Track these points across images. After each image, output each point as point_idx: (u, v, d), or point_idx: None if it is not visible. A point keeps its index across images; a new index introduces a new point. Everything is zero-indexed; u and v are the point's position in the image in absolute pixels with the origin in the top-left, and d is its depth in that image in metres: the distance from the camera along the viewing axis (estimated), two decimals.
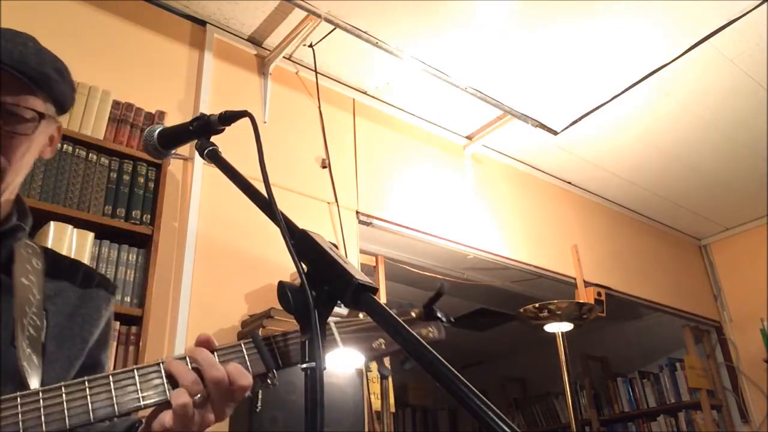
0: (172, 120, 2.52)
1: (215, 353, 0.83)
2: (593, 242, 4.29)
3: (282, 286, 0.74)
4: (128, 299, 2.13)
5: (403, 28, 2.97)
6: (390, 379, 2.71)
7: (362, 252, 3.10)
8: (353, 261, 2.92)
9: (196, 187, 2.56)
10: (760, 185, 4.43)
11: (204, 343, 0.84)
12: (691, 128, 3.81)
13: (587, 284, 4.00)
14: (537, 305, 3.18)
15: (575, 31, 3.03)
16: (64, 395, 0.75)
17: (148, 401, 0.78)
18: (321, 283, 0.74)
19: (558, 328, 3.27)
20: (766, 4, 2.91)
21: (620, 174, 4.28)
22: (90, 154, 2.21)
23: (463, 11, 2.89)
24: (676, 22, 3.00)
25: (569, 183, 4.37)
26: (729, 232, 5.11)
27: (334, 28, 2.91)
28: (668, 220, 4.94)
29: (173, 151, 1.02)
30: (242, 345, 0.85)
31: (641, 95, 3.49)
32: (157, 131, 0.99)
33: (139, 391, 0.78)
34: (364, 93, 3.42)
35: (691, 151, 4.05)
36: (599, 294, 3.96)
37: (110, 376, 0.78)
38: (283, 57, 3.07)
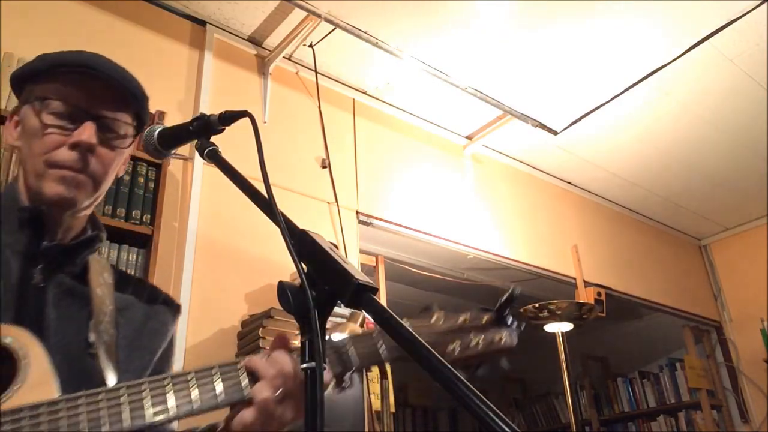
0: (172, 120, 2.52)
1: (293, 353, 0.85)
2: (593, 242, 4.29)
3: (282, 286, 0.74)
4: None
5: (403, 28, 2.97)
6: (390, 379, 2.71)
7: (362, 252, 3.09)
8: (353, 261, 2.92)
9: (196, 187, 2.56)
10: (760, 185, 4.43)
11: (280, 341, 0.87)
12: (691, 128, 3.81)
13: (587, 284, 4.00)
14: (537, 305, 3.18)
15: (575, 31, 3.03)
16: (148, 390, 0.78)
17: (226, 398, 0.80)
18: (321, 283, 0.74)
19: (558, 328, 3.27)
20: (766, 4, 2.91)
21: (620, 174, 4.28)
22: None
23: (463, 11, 2.89)
24: (676, 22, 3.00)
25: (569, 183, 4.37)
26: (729, 232, 5.11)
27: (334, 28, 2.91)
28: (668, 220, 4.94)
29: (173, 151, 1.02)
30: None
31: (641, 95, 3.49)
32: (157, 131, 1.00)
33: (217, 389, 0.80)
34: (364, 93, 3.42)
35: (691, 151, 4.05)
36: (599, 294, 3.96)
37: (192, 372, 0.80)
38: (283, 57, 3.07)
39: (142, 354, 1.01)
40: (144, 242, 2.23)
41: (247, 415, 0.81)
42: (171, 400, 0.78)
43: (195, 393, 0.79)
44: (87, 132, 0.94)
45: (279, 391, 0.81)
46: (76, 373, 0.87)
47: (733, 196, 4.61)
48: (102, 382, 0.87)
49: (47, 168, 0.94)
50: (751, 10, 2.94)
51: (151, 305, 1.07)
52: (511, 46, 3.12)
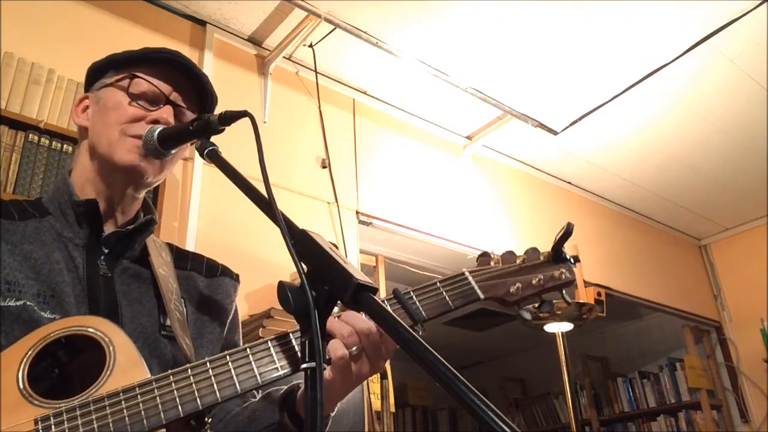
0: None
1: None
2: (593, 242, 4.29)
3: (282, 286, 0.74)
4: None
5: (403, 28, 2.97)
6: (390, 379, 2.71)
7: (362, 252, 3.09)
8: (353, 261, 2.92)
9: (196, 187, 2.56)
10: (760, 185, 4.43)
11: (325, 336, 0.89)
12: (691, 128, 3.81)
13: (587, 284, 3.99)
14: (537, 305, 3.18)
15: (575, 31, 3.03)
16: (230, 363, 0.82)
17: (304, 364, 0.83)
18: (321, 283, 0.74)
19: (558, 328, 3.27)
20: (766, 4, 2.91)
21: (620, 174, 4.28)
22: None
23: (464, 11, 2.88)
24: (676, 22, 3.00)
25: (569, 183, 4.38)
26: (729, 232, 5.11)
27: (334, 28, 2.91)
28: (668, 220, 4.94)
29: (173, 151, 1.03)
30: (385, 301, 0.91)
31: (641, 95, 3.49)
32: (157, 131, 1.00)
33: (297, 353, 0.84)
34: (364, 93, 3.42)
35: (691, 151, 4.05)
36: (599, 294, 3.96)
37: (269, 341, 0.85)
38: (283, 57, 3.07)
39: (212, 328, 1.05)
40: None
41: (325, 373, 0.84)
42: (256, 369, 0.82)
43: (276, 360, 0.83)
44: (167, 112, 1.01)
45: (354, 348, 0.84)
46: (155, 356, 0.92)
47: (733, 196, 4.61)
48: (182, 361, 0.90)
49: (123, 136, 0.99)
50: (751, 10, 2.94)
51: (211, 278, 1.12)
52: (511, 46, 3.12)
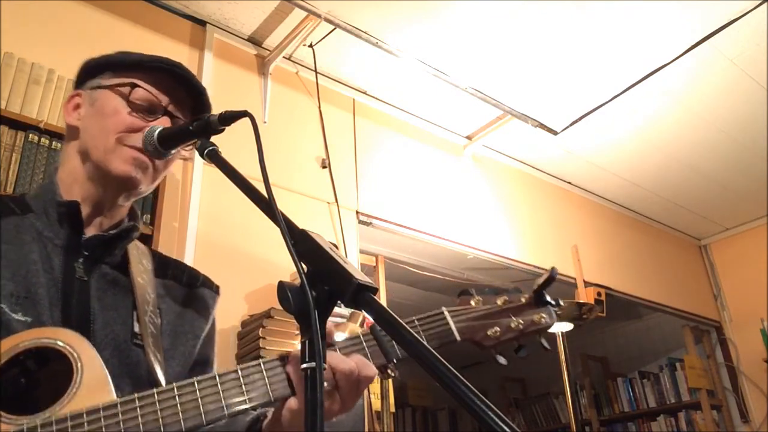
0: None
1: (335, 346, 0.87)
2: (593, 242, 4.29)
3: (282, 286, 0.74)
4: None
5: (403, 28, 2.97)
6: (390, 379, 2.71)
7: (362, 252, 3.09)
8: (353, 261, 2.92)
9: (196, 187, 2.56)
10: (760, 185, 4.43)
11: (326, 335, 0.88)
12: (691, 128, 3.81)
13: (587, 284, 3.99)
14: None
15: (575, 31, 3.03)
16: (198, 391, 0.80)
17: (276, 394, 0.83)
18: (321, 283, 0.74)
19: (558, 328, 3.27)
20: (766, 4, 2.91)
21: (620, 174, 4.28)
22: None
23: (464, 11, 2.88)
24: (676, 22, 3.00)
25: (569, 183, 4.37)
26: (729, 232, 5.11)
27: (334, 28, 2.91)
28: (668, 220, 4.94)
29: (173, 151, 1.02)
30: (361, 337, 0.90)
31: (641, 95, 3.49)
32: (157, 131, 1.00)
33: (268, 385, 0.83)
34: (364, 93, 3.42)
35: (691, 151, 4.05)
36: (599, 294, 3.96)
37: (239, 371, 0.83)
38: (283, 57, 3.07)
39: (185, 339, 1.03)
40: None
41: (292, 402, 0.84)
42: (223, 399, 0.80)
43: (245, 390, 0.82)
44: (164, 124, 1.00)
45: (326, 385, 0.83)
46: (125, 365, 0.90)
47: (733, 196, 4.61)
48: (149, 373, 0.90)
49: (119, 145, 0.98)
50: (751, 10, 2.94)
51: (190, 288, 1.11)
52: (511, 46, 3.12)
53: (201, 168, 2.58)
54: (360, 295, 0.69)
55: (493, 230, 3.71)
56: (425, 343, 0.90)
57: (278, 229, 0.78)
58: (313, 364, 0.70)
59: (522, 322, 0.99)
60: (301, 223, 0.80)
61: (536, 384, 6.05)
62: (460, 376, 0.58)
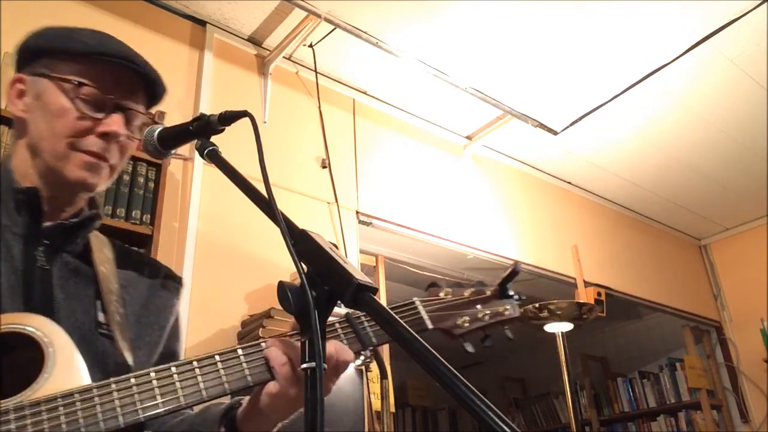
0: (172, 120, 2.51)
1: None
2: (593, 242, 4.29)
3: (282, 286, 0.74)
4: None
5: (403, 28, 2.97)
6: (390, 379, 2.71)
7: (362, 252, 3.09)
8: (353, 261, 2.92)
9: (196, 187, 2.56)
10: (760, 185, 4.43)
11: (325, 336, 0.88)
12: (691, 128, 3.81)
13: (587, 284, 4.00)
14: (537, 305, 3.18)
15: (575, 31, 3.03)
16: (175, 375, 0.79)
17: (254, 379, 0.83)
18: (321, 283, 0.74)
19: (558, 328, 3.27)
20: (766, 4, 2.91)
21: (620, 174, 4.28)
22: None
23: (464, 11, 2.88)
24: (676, 22, 3.00)
25: (569, 183, 4.38)
26: (729, 232, 5.11)
27: (334, 28, 2.91)
28: (668, 220, 4.94)
29: (173, 151, 1.02)
30: (337, 325, 0.90)
31: (641, 95, 3.49)
32: (157, 131, 0.99)
33: (247, 369, 0.83)
34: (364, 93, 3.42)
35: (691, 151, 4.05)
36: (599, 294, 3.96)
37: (216, 356, 0.82)
38: (283, 57, 3.07)
39: (151, 330, 1.01)
40: (144, 242, 2.23)
41: (272, 386, 0.83)
42: (202, 383, 0.80)
43: (223, 375, 0.81)
44: (117, 123, 0.96)
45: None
46: (92, 354, 0.87)
47: (733, 196, 4.61)
48: (118, 362, 0.89)
49: (71, 151, 0.94)
50: (751, 10, 2.94)
51: (153, 280, 1.07)
52: (511, 46, 3.12)
53: (201, 168, 2.58)
54: (360, 295, 0.69)
55: (493, 230, 3.71)
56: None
57: (278, 229, 0.78)
58: (313, 364, 0.70)
59: (489, 312, 1.04)
60: (301, 223, 0.80)
61: (536, 384, 6.05)
62: (460, 376, 0.58)
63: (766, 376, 4.53)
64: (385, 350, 2.83)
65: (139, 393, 0.77)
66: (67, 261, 0.96)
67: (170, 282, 1.09)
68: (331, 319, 0.79)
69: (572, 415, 3.24)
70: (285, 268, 2.54)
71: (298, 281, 0.74)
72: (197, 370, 0.80)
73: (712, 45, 3.14)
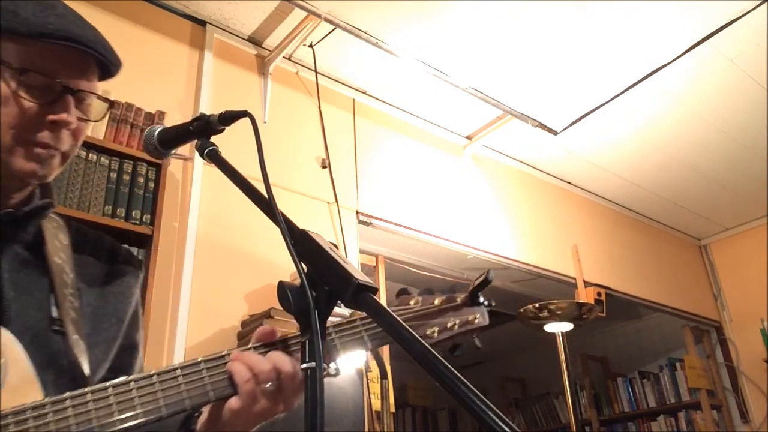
0: (172, 120, 2.52)
1: (279, 344, 0.84)
2: (593, 242, 4.29)
3: (282, 286, 0.74)
4: None
5: (403, 28, 2.97)
6: (390, 379, 2.71)
7: (362, 252, 3.09)
8: (353, 261, 2.92)
9: (196, 187, 2.56)
10: (760, 185, 4.43)
11: (269, 335, 0.85)
12: (691, 128, 3.81)
13: (587, 284, 4.00)
14: (537, 305, 3.18)
15: (575, 31, 3.03)
16: (135, 391, 0.76)
17: (216, 394, 0.80)
18: (321, 283, 0.74)
19: (558, 328, 3.27)
20: (766, 4, 2.91)
21: (620, 174, 4.28)
22: (90, 154, 2.21)
23: (464, 11, 2.88)
24: (676, 22, 3.00)
25: (569, 183, 4.38)
26: (729, 232, 5.11)
27: (334, 28, 2.91)
28: (668, 220, 4.94)
29: (173, 151, 1.02)
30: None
31: (641, 95, 3.49)
32: (157, 131, 0.99)
33: (209, 384, 0.79)
34: (364, 93, 3.42)
35: (691, 151, 4.05)
36: (599, 294, 3.96)
37: (178, 369, 0.79)
38: (283, 57, 3.07)
39: (109, 323, 0.95)
40: (144, 242, 2.23)
41: (234, 402, 0.80)
42: (162, 398, 0.76)
43: (184, 389, 0.78)
44: (67, 109, 0.88)
45: (269, 384, 0.80)
46: (45, 355, 0.82)
47: (733, 196, 4.61)
48: (72, 362, 0.84)
49: (17, 143, 0.86)
50: (751, 10, 2.94)
51: (111, 265, 1.01)
52: (511, 46, 3.12)
53: (201, 168, 2.58)
54: (360, 295, 0.69)
55: (493, 230, 3.71)
56: (368, 343, 0.91)
57: (278, 229, 0.78)
58: (313, 364, 0.70)
59: (458, 321, 1.02)
60: (301, 223, 0.80)
61: (536, 384, 6.05)
62: (460, 376, 0.58)
63: (766, 376, 4.53)
64: (385, 350, 2.83)
65: (96, 409, 0.73)
66: (17, 252, 0.89)
67: (129, 267, 1.02)
68: (332, 319, 0.78)
69: (572, 415, 3.24)
70: (285, 268, 2.54)
71: (298, 281, 0.74)
72: (157, 384, 0.77)
73: (712, 45, 3.14)
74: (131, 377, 0.76)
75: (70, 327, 0.86)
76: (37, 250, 0.91)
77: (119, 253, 1.03)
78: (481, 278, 1.01)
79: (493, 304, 1.06)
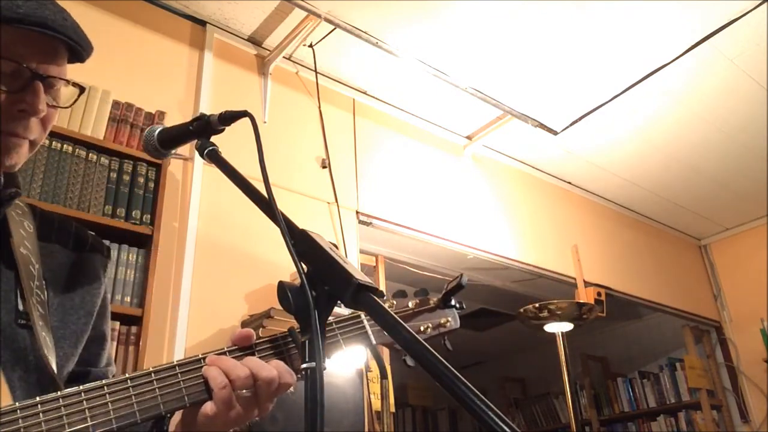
0: (172, 120, 2.52)
1: (255, 347, 0.83)
2: (593, 242, 4.29)
3: (282, 286, 0.74)
4: (128, 299, 2.13)
5: (403, 28, 2.97)
6: (390, 379, 2.71)
7: (362, 252, 3.09)
8: (353, 261, 2.92)
9: (196, 187, 2.56)
10: (760, 185, 4.43)
11: (245, 338, 0.84)
12: (691, 128, 3.81)
13: (587, 284, 3.99)
14: (537, 305, 3.18)
15: (575, 31, 3.03)
16: (107, 395, 0.74)
17: (191, 399, 0.78)
18: (321, 283, 0.74)
19: (558, 328, 3.27)
20: (766, 4, 2.91)
21: (620, 174, 4.28)
22: (90, 154, 2.21)
23: (464, 11, 2.88)
24: (676, 22, 3.00)
25: (569, 183, 4.38)
26: (729, 232, 5.11)
27: (334, 28, 2.91)
28: (668, 220, 4.94)
29: (173, 151, 1.02)
30: (280, 340, 0.86)
31: (641, 95, 3.49)
32: (157, 131, 0.99)
33: (183, 389, 0.78)
34: (364, 93, 3.42)
35: (691, 151, 4.05)
36: (599, 294, 3.96)
37: (152, 374, 0.77)
38: (283, 57, 3.07)
39: (77, 316, 0.92)
40: (144, 242, 2.23)
41: (208, 407, 0.79)
42: (135, 403, 0.75)
43: (158, 394, 0.77)
44: (38, 97, 0.83)
45: (245, 391, 0.79)
46: (12, 351, 0.80)
47: (733, 196, 4.61)
48: (39, 357, 0.82)
49: None
50: (751, 10, 2.94)
51: (79, 252, 0.97)
52: (511, 46, 3.12)
53: (201, 168, 2.58)
54: (360, 295, 0.69)
55: (493, 230, 3.71)
56: (343, 346, 0.91)
57: (278, 229, 0.78)
58: (314, 364, 0.70)
59: (431, 325, 1.03)
60: (301, 223, 0.80)
61: (536, 384, 6.05)
62: (460, 376, 0.58)
63: (766, 376, 4.53)
64: (385, 351, 2.83)
65: (67, 415, 0.71)
66: None
67: (97, 255, 0.99)
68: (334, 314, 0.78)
69: (572, 415, 3.24)
70: (285, 268, 2.54)
71: (298, 281, 0.74)
72: (131, 389, 0.75)
73: (712, 45, 3.14)
74: (104, 381, 0.75)
75: (37, 321, 0.83)
76: (1, 240, 0.87)
77: (86, 241, 0.99)
78: (455, 282, 1.02)
79: (464, 306, 1.07)
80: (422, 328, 1.02)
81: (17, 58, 0.82)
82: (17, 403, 0.70)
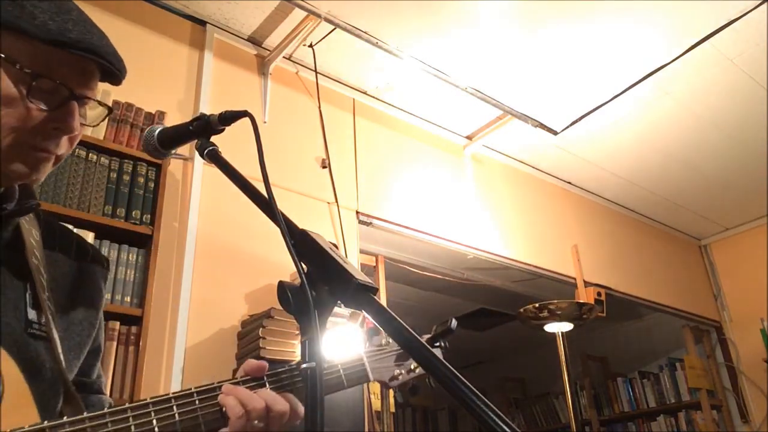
0: (172, 120, 2.52)
1: (265, 379, 0.88)
2: (593, 242, 4.29)
3: (282, 286, 0.74)
4: (128, 299, 2.13)
5: (403, 28, 2.97)
6: None
7: (362, 252, 3.09)
8: (353, 261, 2.92)
9: (196, 187, 2.56)
10: (760, 185, 4.43)
11: (258, 369, 0.88)
12: (691, 128, 3.81)
13: (587, 284, 3.99)
14: (537, 305, 3.18)
15: (575, 31, 3.03)
16: (131, 418, 0.77)
17: (208, 426, 0.82)
18: (321, 283, 0.74)
19: (558, 328, 3.27)
20: (766, 4, 2.91)
21: (620, 174, 4.28)
22: (90, 154, 2.21)
23: (464, 11, 2.88)
24: (676, 22, 3.00)
25: (569, 183, 4.37)
26: (729, 232, 5.11)
27: (334, 28, 2.91)
28: (668, 220, 4.94)
29: (173, 151, 1.02)
30: (288, 372, 0.90)
31: (641, 95, 3.49)
32: (157, 131, 0.99)
33: (200, 416, 0.82)
34: (364, 93, 3.42)
35: (691, 151, 4.05)
36: (599, 294, 3.96)
37: (173, 399, 0.81)
38: (283, 57, 3.07)
39: (81, 327, 0.93)
40: (144, 242, 2.23)
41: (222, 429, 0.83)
42: (156, 429, 0.78)
43: (177, 419, 0.80)
44: (73, 117, 0.85)
45: (258, 422, 0.83)
46: (23, 361, 0.80)
47: (733, 196, 4.61)
48: (53, 370, 0.83)
49: (16, 145, 0.82)
50: (751, 10, 2.94)
51: (80, 262, 0.97)
52: (511, 46, 3.12)
53: (201, 168, 2.58)
54: (360, 295, 0.69)
55: (493, 230, 3.71)
56: (345, 384, 0.96)
57: (278, 229, 0.78)
58: (314, 364, 0.70)
59: (403, 372, 1.07)
60: (301, 223, 0.80)
61: (536, 384, 6.05)
62: (460, 376, 0.58)
63: (766, 376, 4.53)
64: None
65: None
66: None
67: (98, 267, 1.00)
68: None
69: (572, 415, 3.24)
70: (285, 268, 2.54)
71: (298, 281, 0.74)
72: (152, 413, 0.79)
73: (712, 45, 3.14)
74: (127, 405, 0.78)
75: (51, 331, 0.85)
76: (15, 249, 0.87)
77: (88, 251, 1.00)
78: (445, 328, 1.06)
79: (448, 346, 1.10)
80: (413, 366, 1.06)
81: (60, 79, 0.84)
82: (45, 423, 0.73)
